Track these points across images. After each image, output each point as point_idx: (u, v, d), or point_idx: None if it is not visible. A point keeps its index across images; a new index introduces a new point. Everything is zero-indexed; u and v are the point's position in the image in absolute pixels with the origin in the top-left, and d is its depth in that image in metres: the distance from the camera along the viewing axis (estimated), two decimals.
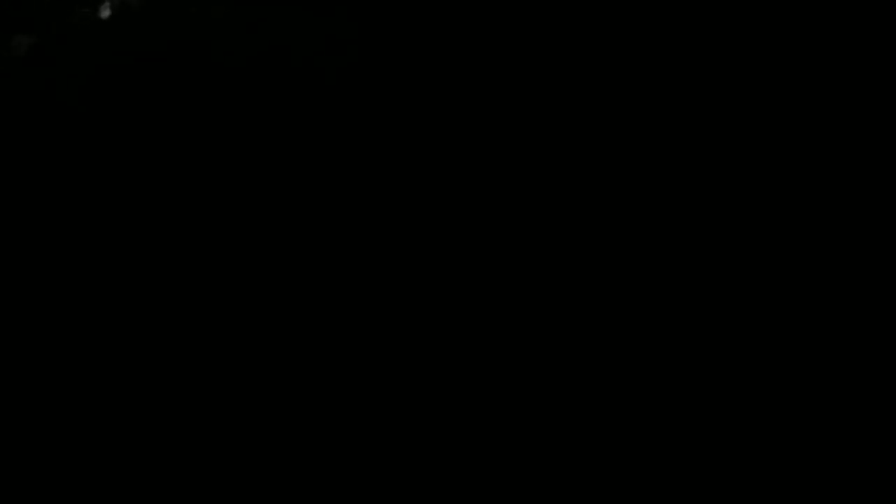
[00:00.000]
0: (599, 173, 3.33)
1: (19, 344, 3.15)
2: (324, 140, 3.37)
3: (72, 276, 3.24)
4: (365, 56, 3.47)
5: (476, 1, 3.49)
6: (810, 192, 3.28)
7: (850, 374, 3.04)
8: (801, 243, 3.21)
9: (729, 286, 3.17)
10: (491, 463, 2.97)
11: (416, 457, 2.99)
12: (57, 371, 3.13)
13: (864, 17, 3.46)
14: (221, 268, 3.24)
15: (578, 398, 3.04)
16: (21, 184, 3.36)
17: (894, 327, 3.08)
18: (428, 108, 3.38)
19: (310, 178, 3.31)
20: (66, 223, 3.30)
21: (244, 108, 3.44)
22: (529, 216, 3.30)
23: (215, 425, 3.05)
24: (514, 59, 3.41)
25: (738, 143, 3.38)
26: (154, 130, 3.42)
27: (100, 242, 3.28)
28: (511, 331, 3.14)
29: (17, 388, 3.10)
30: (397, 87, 3.42)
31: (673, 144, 3.40)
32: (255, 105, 3.44)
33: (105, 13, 3.61)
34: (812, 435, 2.96)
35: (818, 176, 3.29)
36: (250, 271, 3.22)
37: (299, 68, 3.48)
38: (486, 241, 3.27)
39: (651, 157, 3.37)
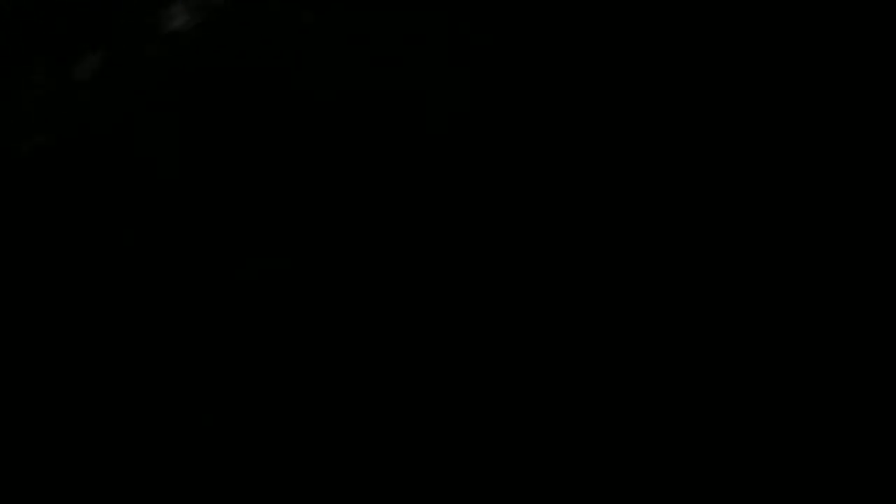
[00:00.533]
0: (599, 174, 3.32)
1: (19, 346, 3.11)
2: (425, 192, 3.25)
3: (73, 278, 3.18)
4: (477, 103, 3.31)
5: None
6: (810, 193, 3.27)
7: (850, 374, 3.03)
8: (801, 243, 3.21)
9: (729, 286, 3.17)
10: (491, 463, 2.96)
11: (416, 457, 2.97)
12: (56, 371, 3.08)
13: (864, 18, 3.48)
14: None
15: (579, 398, 3.04)
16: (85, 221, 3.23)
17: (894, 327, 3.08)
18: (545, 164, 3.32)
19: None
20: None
21: (333, 149, 3.28)
22: (529, 217, 3.28)
23: (215, 426, 3.02)
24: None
25: (738, 143, 3.38)
26: (232, 164, 3.27)
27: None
28: (511, 331, 3.12)
29: (17, 388, 3.06)
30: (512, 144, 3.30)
31: (672, 145, 3.38)
32: (348, 145, 3.27)
33: (176, 22, 3.41)
34: (812, 435, 2.95)
35: (818, 176, 3.29)
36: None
37: (402, 112, 3.32)
38: (486, 241, 3.25)
39: (651, 158, 3.36)
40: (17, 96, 3.30)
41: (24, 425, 3.00)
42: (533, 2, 3.44)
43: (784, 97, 3.41)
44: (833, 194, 3.26)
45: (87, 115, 3.28)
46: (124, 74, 3.33)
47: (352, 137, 3.28)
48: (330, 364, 3.08)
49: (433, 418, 3.00)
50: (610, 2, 3.47)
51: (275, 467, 2.94)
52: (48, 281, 3.14)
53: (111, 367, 3.08)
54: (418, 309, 3.12)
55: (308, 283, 3.14)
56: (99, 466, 2.94)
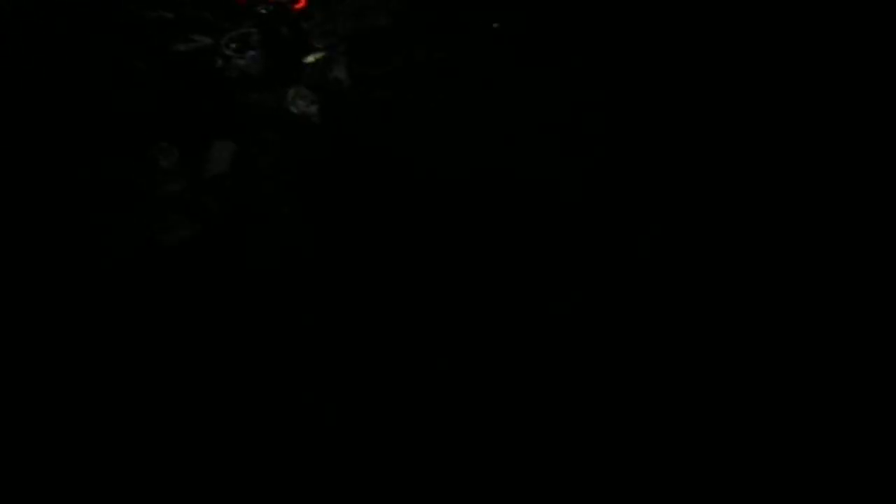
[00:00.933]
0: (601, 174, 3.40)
1: (22, 345, 3.15)
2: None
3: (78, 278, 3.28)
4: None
5: None
6: (809, 194, 3.33)
7: (850, 374, 3.03)
8: (801, 244, 3.26)
9: (729, 287, 3.21)
10: (491, 463, 2.96)
11: (416, 457, 2.98)
12: (57, 372, 3.12)
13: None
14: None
15: (579, 399, 3.06)
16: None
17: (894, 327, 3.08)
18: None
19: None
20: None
21: (448, 226, 3.32)
22: (530, 217, 3.35)
23: (215, 427, 3.05)
24: None
25: (736, 144, 3.45)
26: (356, 246, 3.32)
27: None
28: (511, 332, 3.16)
29: (18, 388, 3.08)
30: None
31: (670, 145, 3.46)
32: (463, 222, 3.30)
33: (296, 106, 3.46)
34: (812, 435, 2.96)
35: (818, 177, 3.35)
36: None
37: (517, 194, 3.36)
38: (484, 241, 3.32)
39: (649, 158, 3.44)
40: (155, 189, 3.42)
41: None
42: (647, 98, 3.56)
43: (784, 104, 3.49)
44: (833, 195, 3.31)
45: (221, 206, 3.40)
46: (252, 162, 3.45)
47: (468, 215, 3.35)
48: (329, 364, 3.14)
49: (431, 419, 3.03)
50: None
51: (274, 467, 2.97)
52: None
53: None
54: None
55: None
56: (99, 466, 3.00)
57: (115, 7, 3.59)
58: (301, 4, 3.65)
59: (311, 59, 3.57)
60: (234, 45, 3.61)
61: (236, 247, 3.34)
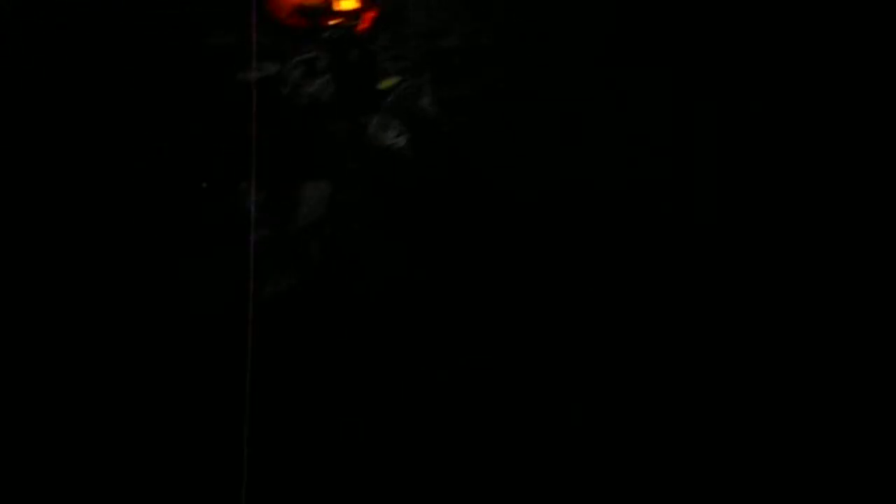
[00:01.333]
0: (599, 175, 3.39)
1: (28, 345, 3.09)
2: None
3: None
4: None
5: None
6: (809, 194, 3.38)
7: (851, 374, 3.10)
8: (802, 244, 3.31)
9: (729, 287, 3.26)
10: (490, 463, 2.99)
11: (416, 457, 3.00)
12: (58, 371, 3.08)
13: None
14: None
15: (579, 399, 3.10)
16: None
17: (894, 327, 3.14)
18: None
19: None
20: None
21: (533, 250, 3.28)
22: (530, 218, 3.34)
23: (215, 426, 3.03)
24: None
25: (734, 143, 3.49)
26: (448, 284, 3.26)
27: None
28: (511, 331, 3.19)
29: (18, 387, 3.03)
30: None
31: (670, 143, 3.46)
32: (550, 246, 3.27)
33: (390, 138, 3.28)
34: (812, 435, 3.02)
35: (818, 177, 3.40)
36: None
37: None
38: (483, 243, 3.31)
39: (649, 156, 3.44)
40: (245, 238, 3.17)
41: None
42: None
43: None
44: (833, 195, 3.36)
45: (314, 254, 3.20)
46: (342, 198, 3.25)
47: (553, 237, 3.29)
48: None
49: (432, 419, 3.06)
50: None
51: (275, 467, 2.99)
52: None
53: None
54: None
55: None
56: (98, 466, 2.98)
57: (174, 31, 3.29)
58: (365, 25, 3.43)
59: (386, 83, 3.36)
60: (299, 71, 3.36)
61: (341, 301, 3.15)
